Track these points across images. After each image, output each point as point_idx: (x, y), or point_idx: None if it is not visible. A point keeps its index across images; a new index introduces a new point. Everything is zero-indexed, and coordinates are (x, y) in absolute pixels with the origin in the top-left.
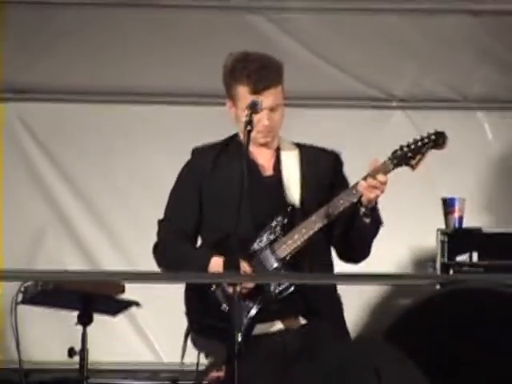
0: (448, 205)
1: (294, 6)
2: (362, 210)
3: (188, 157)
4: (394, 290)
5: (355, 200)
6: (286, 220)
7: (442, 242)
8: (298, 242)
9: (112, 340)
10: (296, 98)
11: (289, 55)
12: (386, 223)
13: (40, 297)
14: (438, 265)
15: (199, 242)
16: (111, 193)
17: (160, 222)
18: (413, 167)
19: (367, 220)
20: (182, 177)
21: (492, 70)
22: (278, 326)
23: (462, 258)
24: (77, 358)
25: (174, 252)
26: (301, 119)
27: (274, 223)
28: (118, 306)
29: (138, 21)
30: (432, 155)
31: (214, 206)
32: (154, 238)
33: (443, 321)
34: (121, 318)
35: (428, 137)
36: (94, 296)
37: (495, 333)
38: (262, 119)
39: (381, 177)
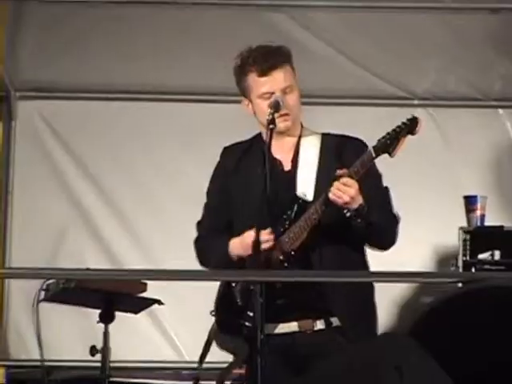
0: (470, 203)
1: (317, 3)
2: (345, 211)
3: (211, 154)
4: (417, 288)
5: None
6: (293, 214)
7: (464, 240)
8: (300, 236)
9: (134, 338)
10: (317, 96)
11: (311, 53)
12: (408, 221)
13: (62, 295)
14: (460, 263)
15: None
16: (134, 191)
17: (198, 223)
18: (390, 154)
19: (358, 220)
20: (213, 177)
21: None
22: (293, 326)
23: (484, 256)
24: (98, 356)
25: (205, 247)
26: (322, 117)
27: (284, 216)
28: (139, 304)
29: (160, 18)
30: (454, 153)
31: (239, 201)
32: (176, 236)
33: (465, 319)
34: (143, 316)
35: (403, 123)
36: (115, 294)
37: None
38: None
39: (345, 179)
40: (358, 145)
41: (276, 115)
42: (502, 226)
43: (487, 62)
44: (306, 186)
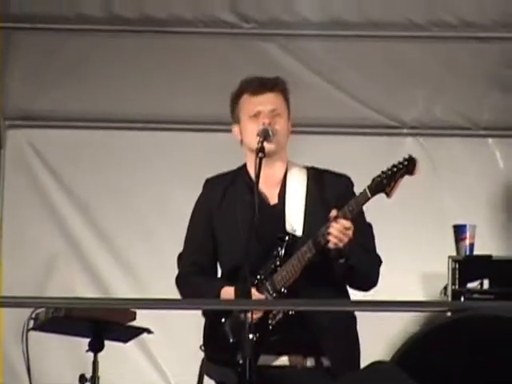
0: (459, 232)
1: (305, 33)
2: (331, 252)
3: (201, 182)
4: (405, 318)
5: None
6: (282, 251)
7: (453, 269)
8: (292, 274)
9: (123, 367)
10: (306, 124)
11: (300, 82)
12: (397, 250)
13: (51, 324)
14: (449, 292)
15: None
16: (124, 219)
17: (179, 256)
18: (387, 194)
19: (341, 260)
20: (196, 209)
21: (502, 97)
22: (284, 361)
23: (473, 285)
24: None
25: (190, 285)
26: (311, 146)
27: (274, 253)
28: (129, 333)
29: (150, 47)
30: (443, 182)
31: (224, 236)
32: (165, 265)
33: (454, 349)
34: (132, 345)
35: (400, 163)
36: (105, 323)
37: (506, 361)
38: (264, 120)
39: (344, 222)
40: (344, 181)
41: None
42: (490, 255)
43: (476, 91)
44: (294, 222)
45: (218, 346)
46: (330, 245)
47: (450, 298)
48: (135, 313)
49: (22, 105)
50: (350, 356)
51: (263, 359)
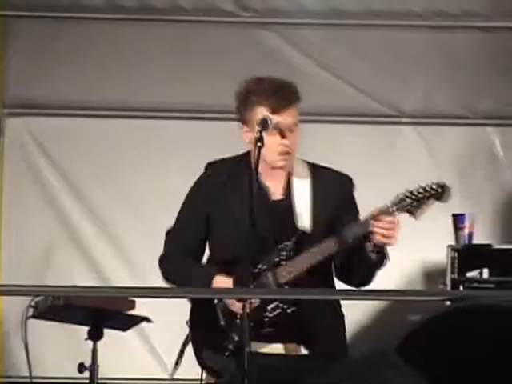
0: (458, 221)
1: (305, 21)
2: (370, 246)
3: (200, 171)
4: (404, 306)
5: (363, 233)
6: (292, 245)
7: (453, 258)
8: (299, 270)
9: (122, 356)
10: (305, 113)
11: (299, 71)
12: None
13: (50, 312)
14: (448, 281)
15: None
16: (122, 208)
17: (167, 234)
18: (415, 217)
19: (373, 256)
20: (193, 192)
21: (501, 86)
22: (279, 349)
23: (472, 274)
24: (87, 374)
25: (179, 266)
26: (311, 135)
27: (281, 246)
28: (128, 322)
29: (149, 36)
30: (442, 171)
31: (219, 224)
32: None
33: (453, 337)
34: (131, 334)
35: (432, 188)
36: (104, 311)
37: (506, 350)
38: (282, 140)
39: (388, 218)
40: (346, 182)
41: (273, 153)
42: (490, 244)
43: (476, 81)
44: (303, 218)
45: (206, 328)
46: (377, 241)
47: (449, 287)
48: (134, 301)
49: (22, 93)
50: (339, 346)
51: (257, 346)
